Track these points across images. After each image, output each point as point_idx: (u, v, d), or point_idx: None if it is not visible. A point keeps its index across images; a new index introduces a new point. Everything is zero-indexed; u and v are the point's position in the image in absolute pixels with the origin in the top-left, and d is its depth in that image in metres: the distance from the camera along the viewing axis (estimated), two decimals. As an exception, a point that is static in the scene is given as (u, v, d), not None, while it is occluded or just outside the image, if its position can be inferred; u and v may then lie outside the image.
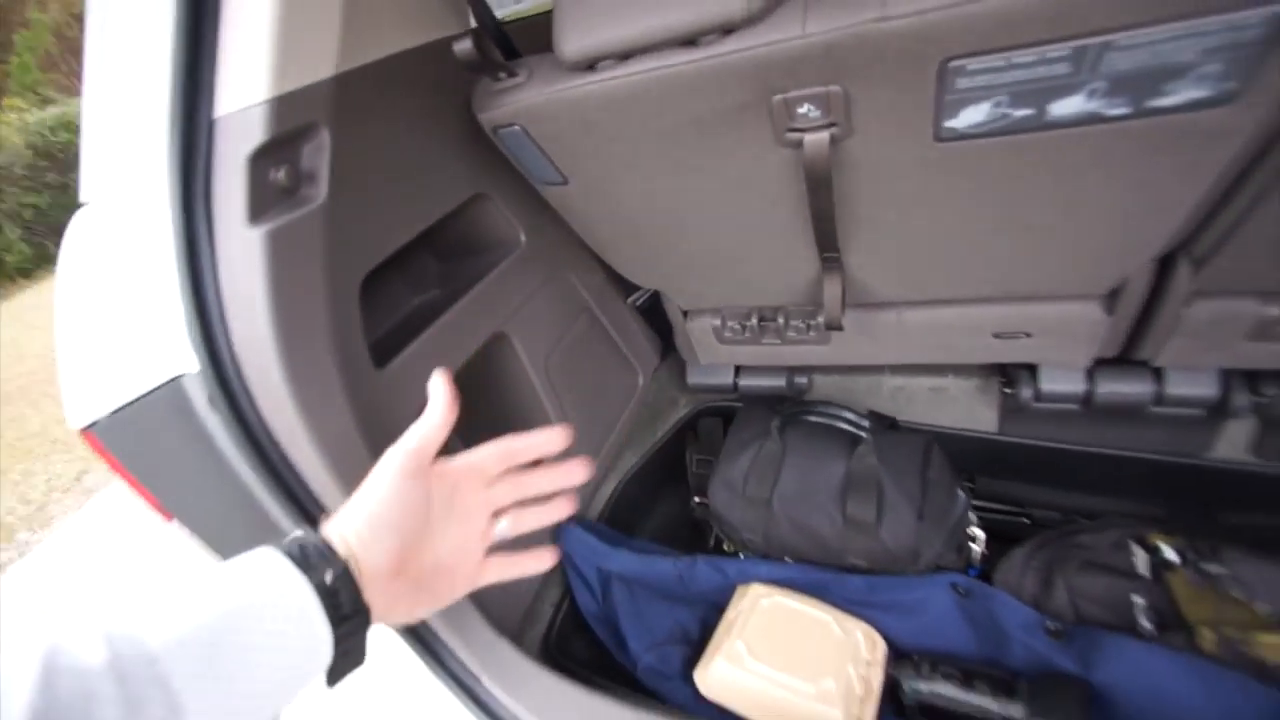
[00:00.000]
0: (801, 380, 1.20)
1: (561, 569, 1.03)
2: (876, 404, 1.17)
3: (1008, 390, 1.04)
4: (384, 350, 0.84)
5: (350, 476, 0.66)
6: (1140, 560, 0.75)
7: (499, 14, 1.20)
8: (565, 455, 0.53)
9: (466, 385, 0.62)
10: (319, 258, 0.66)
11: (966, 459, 1.13)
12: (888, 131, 0.65)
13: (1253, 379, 0.90)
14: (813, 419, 1.01)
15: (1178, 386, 0.90)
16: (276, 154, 0.60)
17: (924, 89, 0.59)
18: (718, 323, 1.12)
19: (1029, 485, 1.06)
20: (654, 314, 1.27)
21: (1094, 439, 1.00)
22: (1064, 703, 0.72)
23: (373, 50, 0.75)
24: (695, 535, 1.26)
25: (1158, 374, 0.91)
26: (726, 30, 0.61)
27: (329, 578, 0.38)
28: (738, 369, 1.22)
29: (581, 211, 0.94)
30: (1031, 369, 0.99)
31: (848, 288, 0.91)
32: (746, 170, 0.75)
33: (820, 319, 0.98)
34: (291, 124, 0.60)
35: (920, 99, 0.60)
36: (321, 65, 0.63)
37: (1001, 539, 1.01)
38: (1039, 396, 0.98)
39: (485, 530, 0.49)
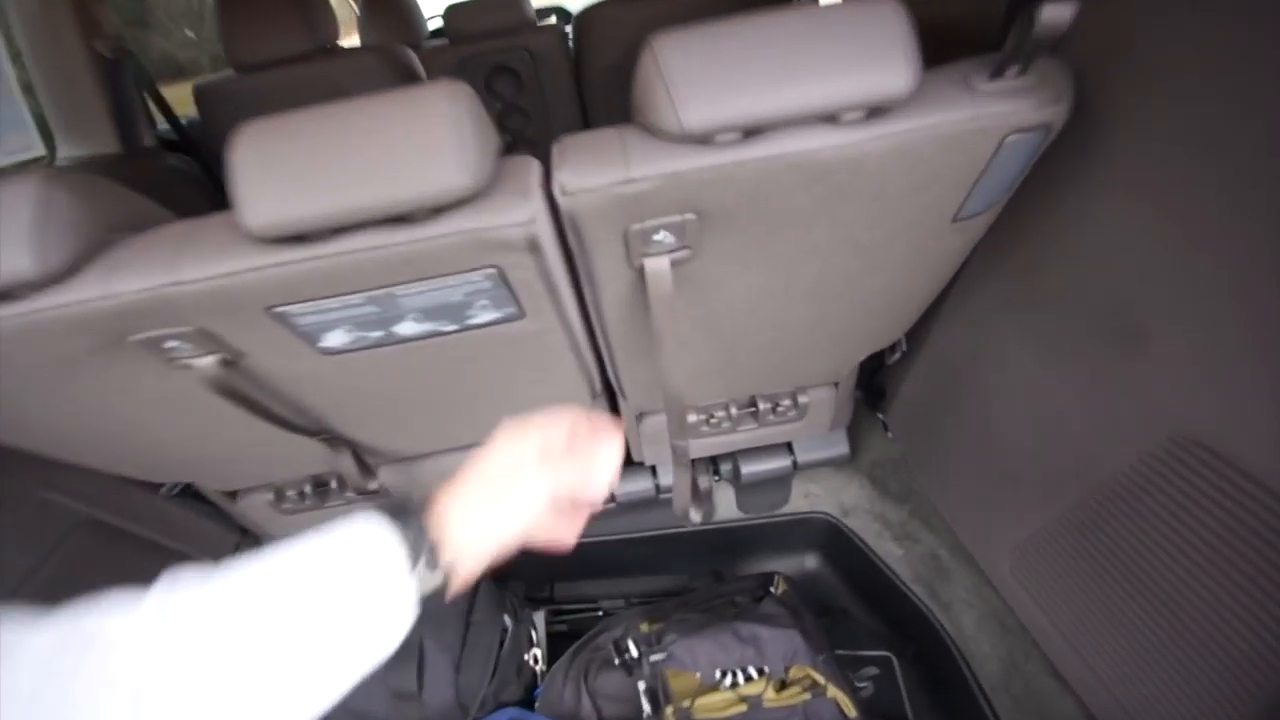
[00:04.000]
0: None
1: None
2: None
3: None
4: None
5: None
6: (631, 655, 0.88)
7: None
8: None
9: None
10: None
11: (549, 568, 1.23)
12: (278, 350, 0.67)
13: (714, 462, 1.14)
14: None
15: (665, 478, 1.10)
16: None
17: (273, 326, 0.62)
18: (271, 496, 1.04)
19: (596, 581, 1.20)
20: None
21: (630, 526, 1.17)
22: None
23: None
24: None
25: (654, 470, 1.11)
26: (36, 287, 0.57)
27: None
28: None
29: (20, 438, 0.79)
30: None
31: (366, 455, 0.92)
32: (162, 389, 0.71)
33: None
34: None
35: (281, 331, 0.63)
36: None
37: (580, 635, 1.11)
38: None
39: None
